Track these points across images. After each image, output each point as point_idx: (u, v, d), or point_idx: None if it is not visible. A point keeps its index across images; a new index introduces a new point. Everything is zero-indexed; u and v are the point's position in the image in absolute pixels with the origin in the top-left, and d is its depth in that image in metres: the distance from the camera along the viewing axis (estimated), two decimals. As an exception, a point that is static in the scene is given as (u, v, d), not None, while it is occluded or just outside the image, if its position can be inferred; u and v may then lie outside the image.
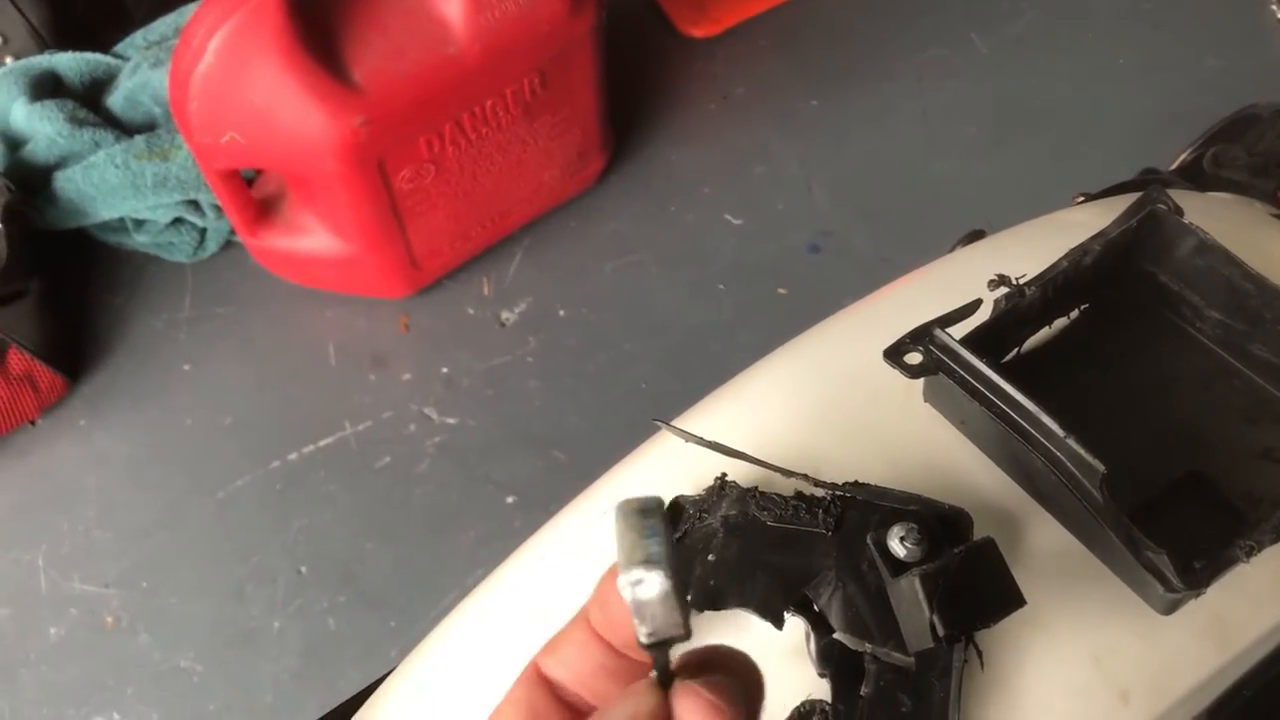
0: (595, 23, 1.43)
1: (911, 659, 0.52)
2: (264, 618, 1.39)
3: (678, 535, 0.58)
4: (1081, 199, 0.85)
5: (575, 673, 0.41)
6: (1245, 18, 1.82)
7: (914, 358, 0.56)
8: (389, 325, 1.59)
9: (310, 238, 1.50)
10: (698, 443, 0.57)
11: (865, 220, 1.66)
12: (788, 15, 1.86)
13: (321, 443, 1.50)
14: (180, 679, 1.35)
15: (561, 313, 1.59)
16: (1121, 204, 0.63)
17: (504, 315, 1.60)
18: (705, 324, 1.58)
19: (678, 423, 0.64)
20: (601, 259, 1.64)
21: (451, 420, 1.51)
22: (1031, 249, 0.63)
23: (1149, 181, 0.87)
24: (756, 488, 0.57)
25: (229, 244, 1.64)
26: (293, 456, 1.49)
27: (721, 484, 0.58)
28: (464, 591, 0.69)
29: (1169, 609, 0.52)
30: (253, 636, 1.38)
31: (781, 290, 1.60)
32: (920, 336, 0.56)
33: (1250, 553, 0.51)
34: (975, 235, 0.90)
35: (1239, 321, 0.59)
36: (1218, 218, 0.77)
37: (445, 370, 1.55)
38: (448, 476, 1.48)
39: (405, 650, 0.70)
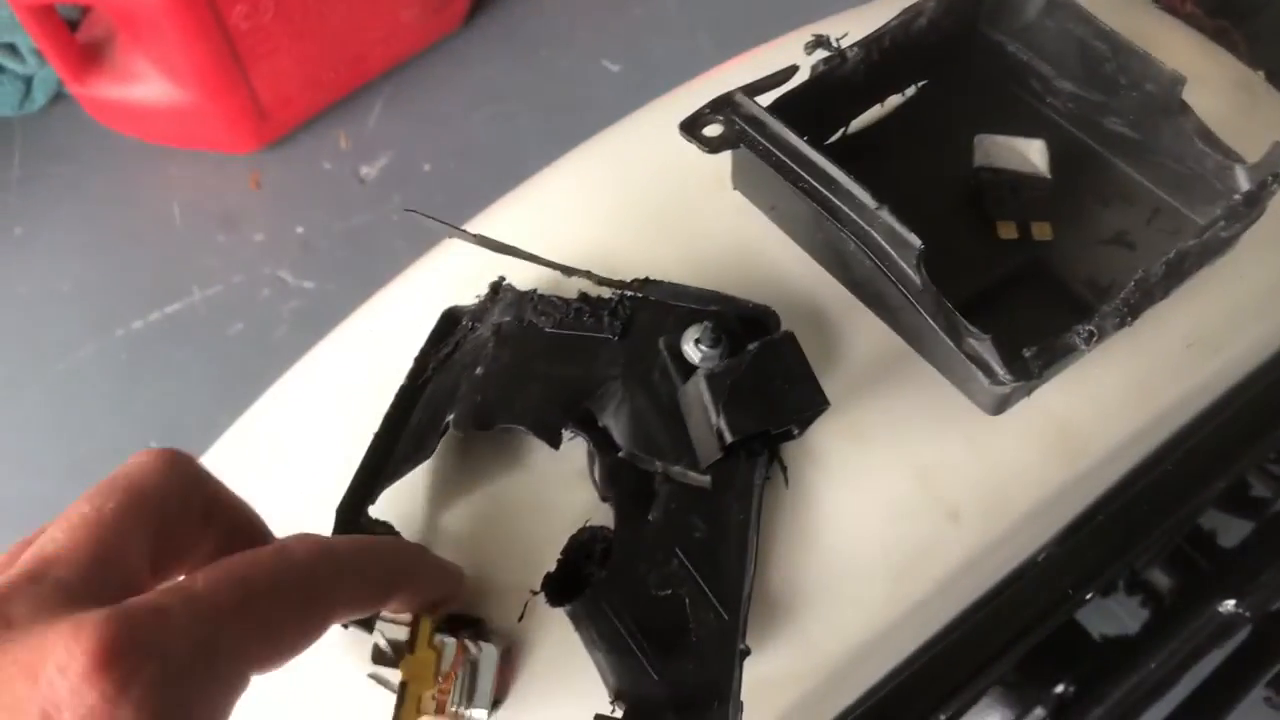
0: None
1: (707, 478, 0.45)
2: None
3: (448, 350, 0.50)
4: None
5: None
6: None
7: (714, 129, 0.48)
8: (238, 182, 1.47)
9: (144, 85, 1.37)
10: (459, 235, 0.48)
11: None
12: None
13: (168, 309, 1.39)
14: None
15: (427, 167, 1.48)
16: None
17: (364, 171, 1.49)
18: (581, 177, 1.48)
19: (470, 226, 0.55)
20: (469, 108, 1.52)
21: (309, 284, 1.41)
22: (880, 20, 0.54)
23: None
24: (535, 290, 0.49)
25: (62, 97, 1.49)
26: (138, 324, 1.38)
27: (495, 289, 0.50)
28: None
29: (998, 407, 0.45)
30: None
31: (663, 141, 1.51)
32: (721, 105, 0.48)
33: (1090, 339, 0.44)
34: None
35: (1093, 91, 0.52)
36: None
37: (301, 230, 1.44)
38: (308, 343, 1.38)
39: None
